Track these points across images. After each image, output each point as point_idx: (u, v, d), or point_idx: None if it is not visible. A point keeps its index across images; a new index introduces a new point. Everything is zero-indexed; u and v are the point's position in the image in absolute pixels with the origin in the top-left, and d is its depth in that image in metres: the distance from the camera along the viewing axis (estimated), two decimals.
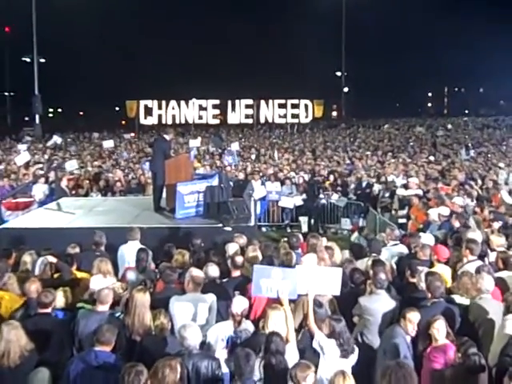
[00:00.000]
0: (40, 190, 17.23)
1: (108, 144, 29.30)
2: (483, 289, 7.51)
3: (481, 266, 8.31)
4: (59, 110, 78.33)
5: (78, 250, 9.99)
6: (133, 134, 42.76)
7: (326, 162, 24.37)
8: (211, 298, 7.79)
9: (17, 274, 8.97)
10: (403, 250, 10.29)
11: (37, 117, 44.52)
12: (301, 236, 10.78)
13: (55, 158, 25.05)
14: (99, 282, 8.11)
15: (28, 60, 47.55)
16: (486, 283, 7.54)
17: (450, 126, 45.66)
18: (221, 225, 11.97)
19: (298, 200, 18.93)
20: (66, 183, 18.03)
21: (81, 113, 77.73)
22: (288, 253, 9.26)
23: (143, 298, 7.25)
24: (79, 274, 9.17)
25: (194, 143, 28.95)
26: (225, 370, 6.58)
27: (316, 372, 6.14)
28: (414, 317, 6.87)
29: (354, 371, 6.31)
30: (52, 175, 18.76)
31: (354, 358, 6.66)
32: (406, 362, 5.88)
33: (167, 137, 14.06)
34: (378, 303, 7.63)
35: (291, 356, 6.43)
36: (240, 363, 5.86)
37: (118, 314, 7.50)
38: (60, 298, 7.88)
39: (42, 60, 47.38)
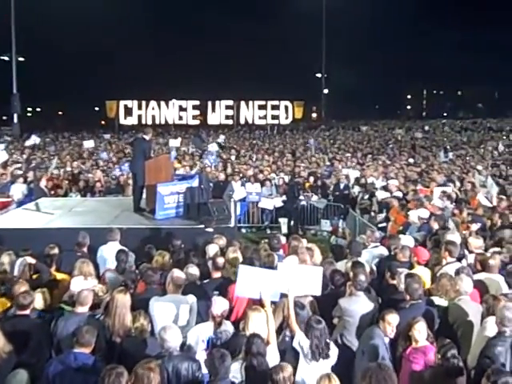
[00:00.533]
0: (18, 190, 17.07)
1: (88, 144, 29.10)
2: (462, 290, 7.57)
3: (460, 267, 8.38)
4: (38, 109, 77.63)
5: (56, 250, 9.88)
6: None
7: (305, 164, 24.42)
8: (192, 299, 7.78)
9: None
10: (384, 251, 10.34)
11: (15, 116, 44.11)
12: (282, 237, 10.80)
13: (34, 158, 24.86)
14: (80, 283, 8.04)
15: (6, 58, 47.03)
16: (464, 285, 7.60)
17: (427, 128, 45.96)
18: (201, 226, 11.97)
19: (278, 201, 18.94)
20: (45, 183, 17.90)
21: (60, 112, 77.13)
22: (270, 254, 9.27)
23: (124, 299, 7.21)
24: (58, 275, 9.11)
25: (174, 143, 28.89)
26: (205, 371, 6.57)
27: (295, 373, 6.16)
28: (392, 319, 6.90)
29: (334, 372, 6.32)
30: (31, 175, 18.66)
31: (333, 359, 6.67)
32: (385, 363, 5.90)
33: (146, 137, 13.98)
34: (358, 305, 7.65)
35: (272, 358, 6.43)
36: (215, 363, 5.85)
37: (97, 316, 7.46)
38: (38, 300, 7.82)
39: (21, 59, 46.91)
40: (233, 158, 27.62)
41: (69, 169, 21.88)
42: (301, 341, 6.66)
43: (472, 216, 12.68)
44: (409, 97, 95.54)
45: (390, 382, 5.27)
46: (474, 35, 68.70)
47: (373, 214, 16.23)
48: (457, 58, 69.29)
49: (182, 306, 7.64)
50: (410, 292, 7.54)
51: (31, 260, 9.16)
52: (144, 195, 13.71)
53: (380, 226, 14.45)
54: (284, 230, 17.91)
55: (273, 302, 7.28)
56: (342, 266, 9.27)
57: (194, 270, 8.50)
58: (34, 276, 9.04)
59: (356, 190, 18.72)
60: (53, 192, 18.04)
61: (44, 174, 19.03)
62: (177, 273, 8.02)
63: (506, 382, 5.47)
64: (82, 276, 8.33)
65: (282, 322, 7.31)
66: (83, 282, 8.08)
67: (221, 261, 8.81)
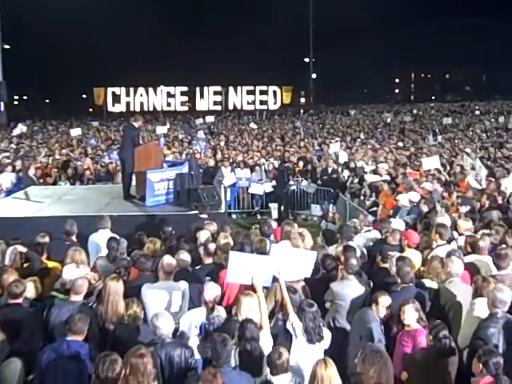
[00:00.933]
0: (7, 179, 16.98)
1: (75, 132, 28.94)
2: (453, 272, 7.62)
3: (451, 250, 8.43)
4: (25, 97, 77.02)
5: (47, 239, 9.88)
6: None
7: (295, 149, 24.41)
8: (183, 285, 7.79)
9: None
10: (377, 235, 10.37)
11: (1, 104, 43.71)
12: (273, 223, 10.81)
13: (22, 147, 24.73)
14: (72, 271, 8.04)
15: None
16: (455, 267, 7.65)
17: (415, 111, 46.06)
18: (191, 212, 11.97)
19: (268, 186, 18.95)
20: (34, 172, 17.83)
21: (47, 100, 76.56)
22: (262, 240, 9.25)
23: (116, 287, 7.21)
24: (49, 264, 9.08)
25: (162, 130, 28.80)
26: (197, 357, 6.59)
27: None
28: (385, 301, 6.96)
29: (326, 355, 6.36)
30: (19, 164, 18.56)
31: (326, 341, 6.71)
32: (381, 347, 5.88)
33: (136, 124, 13.92)
34: (350, 288, 7.70)
35: (265, 342, 6.46)
36: (217, 348, 5.86)
37: (90, 304, 7.46)
38: (30, 288, 7.81)
39: (7, 46, 46.44)
40: (222, 143, 27.54)
41: (58, 157, 21.76)
42: (294, 323, 6.69)
43: (461, 199, 12.76)
44: (397, 80, 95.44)
45: (385, 367, 5.30)
46: (462, 19, 68.71)
47: (362, 197, 16.27)
48: (445, 42, 69.26)
49: (173, 292, 7.65)
50: (402, 275, 7.59)
51: (22, 249, 9.13)
52: (134, 182, 13.67)
53: (371, 210, 14.51)
54: (274, 215, 17.93)
55: (265, 287, 7.31)
56: (333, 250, 9.31)
57: (185, 256, 8.49)
58: (25, 264, 9.03)
59: (345, 174, 18.76)
60: (42, 180, 17.97)
61: (32, 163, 18.94)
62: (167, 259, 8.02)
63: (497, 362, 5.55)
64: (74, 264, 8.31)
65: (274, 306, 7.36)
66: (75, 270, 8.07)
67: (212, 247, 8.83)
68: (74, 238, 10.25)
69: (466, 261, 8.28)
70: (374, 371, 5.26)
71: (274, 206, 18.55)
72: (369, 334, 6.70)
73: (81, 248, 9.08)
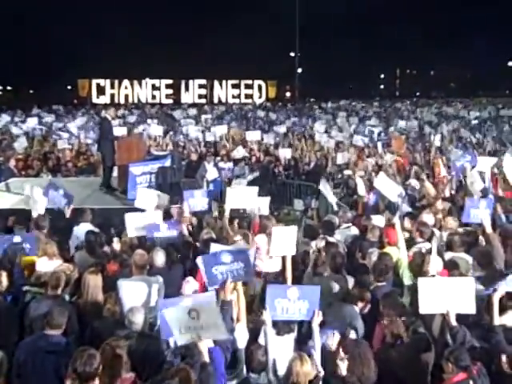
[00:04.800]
0: None
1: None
2: (432, 270, 7.66)
3: (431, 247, 8.47)
4: (8, 87, 76.37)
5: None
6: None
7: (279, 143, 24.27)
8: (158, 279, 7.71)
9: None
10: (356, 232, 10.37)
11: None
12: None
13: (3, 138, 24.48)
14: (45, 264, 7.99)
15: None
16: (434, 265, 7.69)
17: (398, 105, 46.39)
18: (174, 206, 11.92)
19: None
20: (15, 163, 17.64)
21: (31, 91, 75.91)
22: (245, 234, 9.23)
23: (95, 280, 7.21)
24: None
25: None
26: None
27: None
28: (366, 297, 7.01)
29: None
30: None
31: (295, 334, 6.65)
32: (362, 340, 5.90)
33: (109, 117, 13.99)
34: (329, 284, 7.69)
35: (241, 336, 6.49)
36: (189, 345, 5.86)
37: (68, 297, 7.43)
38: (4, 282, 7.71)
39: None
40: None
41: (39, 148, 21.61)
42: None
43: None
44: (382, 76, 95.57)
45: (366, 358, 5.33)
46: (448, 15, 68.93)
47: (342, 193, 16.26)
48: (430, 37, 69.49)
49: (149, 286, 7.56)
50: (376, 273, 7.68)
51: None
52: (115, 174, 13.63)
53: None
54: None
55: (243, 283, 7.29)
56: (314, 245, 9.29)
57: (160, 254, 8.45)
58: None
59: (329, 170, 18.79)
60: (23, 172, 17.80)
61: (13, 154, 18.80)
62: (139, 252, 8.01)
63: (465, 358, 5.67)
64: (46, 257, 8.22)
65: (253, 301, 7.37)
66: (48, 263, 8.02)
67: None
68: (45, 231, 10.06)
69: (446, 258, 8.34)
70: (348, 361, 5.30)
71: None
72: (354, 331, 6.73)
73: (52, 241, 8.95)
